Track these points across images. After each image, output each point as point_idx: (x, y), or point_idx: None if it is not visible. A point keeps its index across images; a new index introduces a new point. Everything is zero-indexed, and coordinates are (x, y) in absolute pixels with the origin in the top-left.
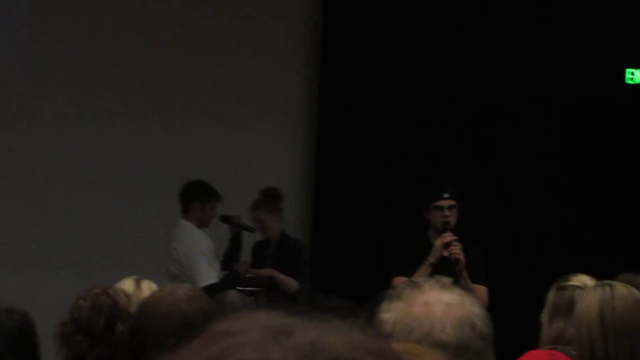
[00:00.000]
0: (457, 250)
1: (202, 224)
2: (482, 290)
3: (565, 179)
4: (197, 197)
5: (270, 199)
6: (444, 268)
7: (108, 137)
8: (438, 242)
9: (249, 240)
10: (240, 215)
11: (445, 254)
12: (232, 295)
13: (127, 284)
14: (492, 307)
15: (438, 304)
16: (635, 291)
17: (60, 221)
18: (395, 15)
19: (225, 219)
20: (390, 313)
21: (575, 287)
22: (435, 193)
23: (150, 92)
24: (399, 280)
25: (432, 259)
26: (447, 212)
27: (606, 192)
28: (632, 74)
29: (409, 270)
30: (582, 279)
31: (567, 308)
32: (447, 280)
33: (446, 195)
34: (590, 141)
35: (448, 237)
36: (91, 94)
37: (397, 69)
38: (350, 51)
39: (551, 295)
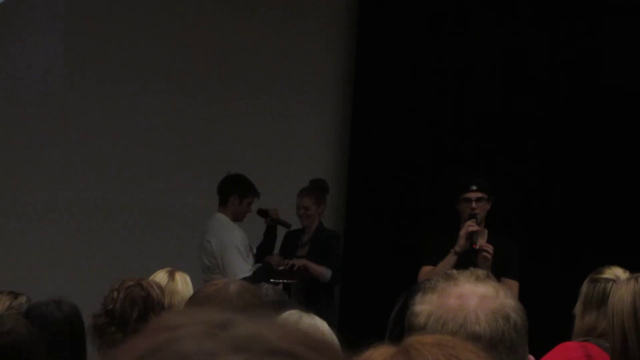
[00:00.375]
0: (487, 251)
1: (237, 218)
2: (512, 284)
3: (601, 171)
4: (236, 192)
5: (318, 190)
6: (470, 258)
7: (145, 124)
8: (462, 231)
9: (281, 234)
10: (277, 210)
11: (463, 235)
12: (266, 287)
13: (160, 276)
14: (526, 299)
15: (472, 296)
16: None
17: (95, 212)
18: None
19: (263, 213)
20: (424, 305)
21: (608, 279)
22: (464, 185)
23: (186, 85)
24: (427, 269)
25: (457, 248)
26: (474, 205)
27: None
28: None
29: (437, 260)
30: (615, 272)
31: (600, 300)
32: (481, 272)
33: (474, 188)
34: (619, 133)
35: (471, 226)
36: (125, 84)
37: (434, 55)
38: (385, 37)
39: (584, 288)
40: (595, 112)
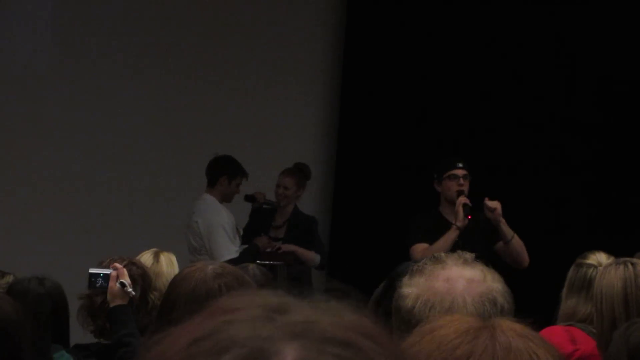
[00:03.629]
0: (465, 200)
1: (224, 199)
2: (518, 240)
3: (585, 158)
4: (225, 173)
5: (300, 173)
6: (467, 239)
7: (131, 109)
8: (458, 203)
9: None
10: (263, 193)
11: (459, 210)
12: (252, 268)
13: (146, 257)
14: (513, 283)
15: (459, 279)
16: None
17: (83, 191)
18: None
19: (250, 198)
20: (412, 288)
21: (590, 265)
22: (451, 163)
23: (175, 66)
24: (420, 247)
25: (459, 222)
26: (462, 181)
27: (625, 171)
28: None
29: (425, 239)
30: (599, 257)
31: (581, 285)
32: (469, 255)
33: (460, 165)
34: (615, 119)
35: (465, 200)
36: (116, 66)
37: (423, 41)
38: (375, 22)
39: (569, 272)
40: (597, 96)
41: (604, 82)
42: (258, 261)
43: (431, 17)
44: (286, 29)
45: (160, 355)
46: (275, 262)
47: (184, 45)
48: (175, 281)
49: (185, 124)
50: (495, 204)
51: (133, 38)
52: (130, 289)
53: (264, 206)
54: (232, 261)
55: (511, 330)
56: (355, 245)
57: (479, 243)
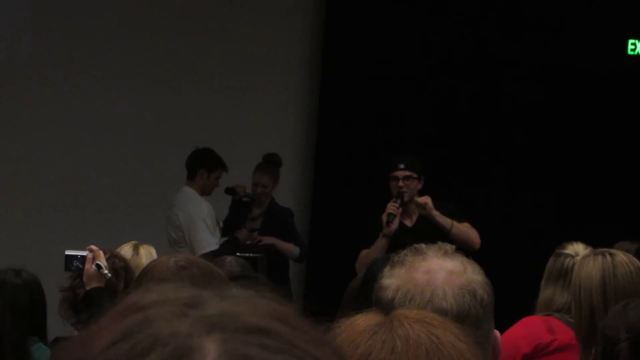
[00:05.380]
0: (391, 208)
1: (204, 192)
2: (468, 225)
3: (565, 149)
4: (205, 165)
5: (272, 164)
6: (418, 237)
7: (111, 100)
8: (383, 216)
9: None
10: (244, 186)
11: (383, 217)
12: (229, 260)
13: (125, 250)
14: (492, 273)
15: (440, 271)
16: (635, 259)
17: (61, 183)
18: None
19: (231, 191)
20: (392, 279)
21: (567, 255)
22: (393, 163)
23: (154, 57)
24: (363, 253)
25: (385, 231)
26: (401, 183)
27: (605, 161)
28: (634, 44)
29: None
30: (576, 248)
31: (558, 275)
32: (449, 247)
33: (401, 166)
34: (590, 112)
35: (390, 207)
36: (93, 58)
37: (403, 33)
38: (354, 13)
39: (548, 262)
40: (569, 89)
41: (569, 74)
42: (238, 253)
43: (412, 10)
44: (264, 20)
45: None
46: (255, 254)
47: (163, 39)
48: (143, 274)
49: (165, 117)
50: (423, 199)
51: (113, 33)
52: (106, 271)
53: (244, 199)
54: (212, 253)
55: (410, 319)
56: (334, 238)
57: (432, 240)
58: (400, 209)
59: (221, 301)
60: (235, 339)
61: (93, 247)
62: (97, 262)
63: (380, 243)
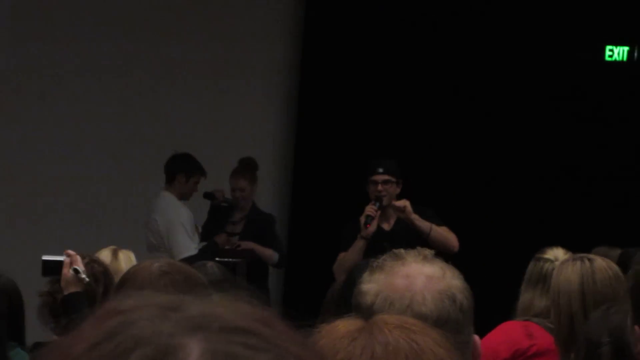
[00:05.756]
0: (369, 210)
1: (183, 197)
2: (446, 228)
3: (545, 154)
4: (183, 170)
5: (248, 168)
6: (396, 241)
7: (89, 105)
8: (361, 218)
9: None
10: (223, 191)
11: (361, 219)
12: (210, 265)
13: (104, 254)
14: (472, 278)
15: (419, 276)
16: (613, 264)
17: (41, 188)
18: None
19: (209, 195)
20: (372, 284)
21: (547, 259)
22: (372, 167)
23: (132, 62)
24: (341, 256)
25: (363, 233)
26: (380, 187)
27: (586, 166)
28: (612, 51)
29: (349, 247)
30: (556, 253)
31: (537, 280)
32: (429, 252)
33: (380, 170)
34: (569, 119)
35: (368, 209)
36: (73, 62)
37: (382, 37)
38: (334, 14)
39: (528, 267)
40: (548, 95)
41: (547, 81)
42: (217, 258)
43: (392, 12)
44: (243, 23)
45: None
46: (234, 259)
47: (143, 42)
48: (125, 279)
49: (143, 122)
50: (402, 203)
51: (91, 37)
52: (84, 276)
53: (222, 204)
54: (191, 258)
55: (390, 324)
56: (313, 243)
57: (407, 244)
58: (379, 212)
59: (202, 304)
60: (218, 338)
61: (70, 251)
62: (75, 266)
63: (358, 245)
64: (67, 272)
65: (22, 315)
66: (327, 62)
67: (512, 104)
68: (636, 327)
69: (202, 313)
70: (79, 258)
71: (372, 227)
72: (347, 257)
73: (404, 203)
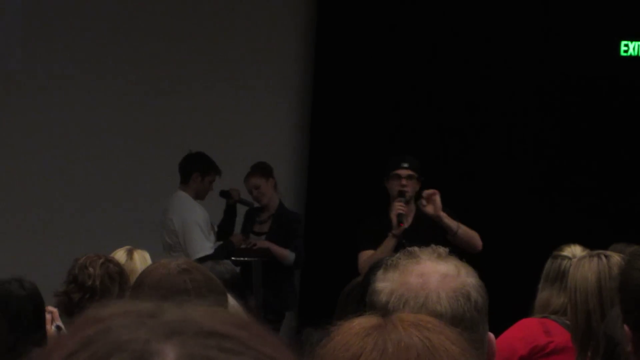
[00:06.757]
0: (400, 208)
1: (198, 196)
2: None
3: (562, 150)
4: (198, 169)
5: (262, 168)
6: (413, 238)
7: (103, 105)
8: (392, 215)
9: (241, 211)
10: (239, 190)
11: (393, 217)
12: (224, 264)
13: (119, 255)
14: (488, 275)
15: (433, 274)
16: None
17: (55, 188)
18: None
19: (225, 194)
20: (386, 283)
21: (565, 257)
22: (396, 162)
23: (146, 61)
24: (366, 254)
25: (394, 231)
26: (404, 182)
27: (602, 163)
28: (627, 46)
29: (373, 243)
30: (574, 250)
31: (555, 277)
32: (443, 250)
33: (405, 165)
34: (584, 114)
35: (399, 208)
36: (87, 63)
37: (396, 34)
38: (347, 12)
39: (546, 264)
40: (563, 91)
41: (561, 77)
42: (233, 257)
43: (405, 9)
44: (256, 21)
45: None
46: (250, 258)
47: (156, 43)
48: (142, 276)
49: (158, 122)
50: (432, 191)
51: (104, 35)
52: (66, 332)
53: (238, 204)
54: (206, 257)
55: (406, 322)
56: (328, 243)
57: (425, 241)
58: (406, 207)
59: (179, 310)
60: (194, 342)
61: (50, 307)
62: (57, 323)
63: (389, 243)
64: (50, 328)
65: (44, 320)
66: (342, 62)
67: (527, 101)
68: (625, 327)
69: (178, 318)
70: (56, 313)
71: (406, 224)
72: (377, 256)
73: (434, 192)
